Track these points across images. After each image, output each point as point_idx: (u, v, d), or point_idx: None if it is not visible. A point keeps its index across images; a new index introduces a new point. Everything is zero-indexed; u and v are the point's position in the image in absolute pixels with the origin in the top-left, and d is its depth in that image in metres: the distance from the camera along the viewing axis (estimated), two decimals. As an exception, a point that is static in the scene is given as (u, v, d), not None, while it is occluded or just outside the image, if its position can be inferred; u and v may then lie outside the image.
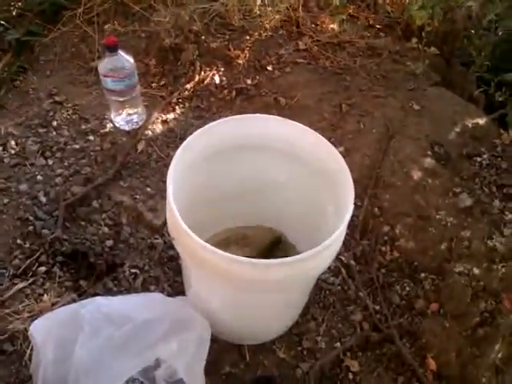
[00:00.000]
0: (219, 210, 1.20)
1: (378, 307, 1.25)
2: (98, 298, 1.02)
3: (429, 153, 1.46)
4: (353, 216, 1.33)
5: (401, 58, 1.81)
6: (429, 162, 1.44)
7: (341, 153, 0.98)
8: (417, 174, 1.40)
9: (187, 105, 1.62)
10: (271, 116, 1.06)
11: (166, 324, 1.00)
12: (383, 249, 1.34)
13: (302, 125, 1.02)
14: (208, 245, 0.84)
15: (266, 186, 1.17)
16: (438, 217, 1.34)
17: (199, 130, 0.98)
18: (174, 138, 1.51)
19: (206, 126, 0.99)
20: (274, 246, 1.29)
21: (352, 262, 1.31)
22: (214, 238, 1.26)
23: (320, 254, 0.86)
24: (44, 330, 0.99)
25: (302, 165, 1.09)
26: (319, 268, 0.93)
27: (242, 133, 1.05)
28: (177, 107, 1.61)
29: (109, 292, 1.18)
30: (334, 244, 0.88)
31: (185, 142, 0.96)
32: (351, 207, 0.92)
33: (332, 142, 1.01)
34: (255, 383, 1.09)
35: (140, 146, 1.47)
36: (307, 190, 1.12)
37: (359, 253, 1.33)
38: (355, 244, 1.33)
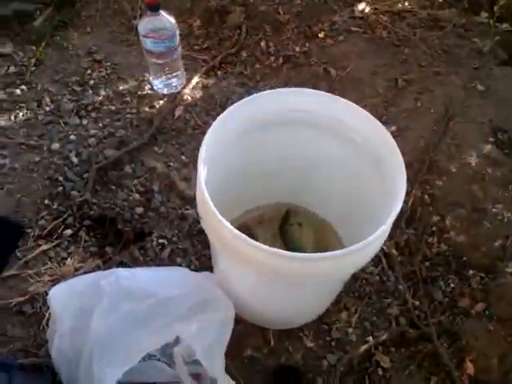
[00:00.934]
0: (256, 186, 1.12)
1: (417, 303, 1.15)
2: (120, 270, 0.97)
3: (491, 139, 1.32)
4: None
5: (466, 33, 1.65)
6: (490, 149, 1.30)
7: (393, 132, 0.89)
8: (475, 162, 1.27)
9: (230, 71, 1.53)
10: (318, 91, 0.96)
11: (188, 302, 0.94)
12: (430, 240, 1.23)
13: (350, 102, 0.92)
14: (242, 235, 0.76)
15: (307, 163, 1.08)
16: (494, 210, 1.22)
17: (240, 102, 0.89)
18: (213, 105, 1.43)
19: (248, 98, 0.90)
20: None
21: (394, 252, 1.20)
22: (247, 215, 1.18)
23: (363, 250, 0.77)
24: (62, 298, 0.95)
25: (348, 144, 0.98)
26: (360, 263, 0.84)
27: (286, 107, 0.95)
28: (219, 72, 1.52)
29: (134, 261, 1.13)
30: (378, 239, 0.79)
31: (224, 113, 0.88)
32: (401, 198, 0.82)
33: (384, 120, 0.91)
34: (278, 372, 1.02)
35: (178, 112, 1.40)
36: (353, 171, 1.02)
37: (403, 242, 1.22)
38: (400, 232, 1.23)
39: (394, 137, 0.88)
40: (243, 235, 0.76)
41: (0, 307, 1.04)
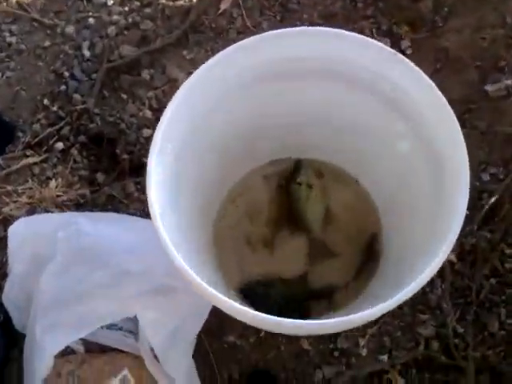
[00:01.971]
0: (272, 140, 0.85)
1: (461, 329, 0.88)
2: (82, 221, 0.79)
3: None
4: (479, 191, 0.91)
5: None
6: None
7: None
8: None
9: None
10: (343, 32, 0.62)
11: (149, 283, 0.76)
12: (508, 251, 0.91)
13: (408, 61, 0.58)
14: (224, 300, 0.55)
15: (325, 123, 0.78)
16: None
17: (235, 46, 0.60)
18: (273, 1, 1.08)
19: (247, 41, 0.61)
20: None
21: (452, 257, 0.90)
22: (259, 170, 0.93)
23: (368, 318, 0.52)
24: (18, 239, 0.82)
25: (383, 104, 0.67)
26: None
27: (298, 52, 0.65)
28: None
29: (127, 197, 0.95)
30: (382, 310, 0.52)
31: (212, 60, 0.60)
32: (463, 203, 0.54)
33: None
34: (251, 378, 0.85)
35: (224, 5, 1.08)
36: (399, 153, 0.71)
37: (469, 246, 0.91)
38: (468, 231, 0.91)
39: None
40: (224, 300, 0.53)
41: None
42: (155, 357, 0.80)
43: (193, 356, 0.83)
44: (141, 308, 0.75)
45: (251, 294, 0.82)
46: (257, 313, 0.52)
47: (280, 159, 0.92)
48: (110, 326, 0.83)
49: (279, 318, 0.52)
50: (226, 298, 0.53)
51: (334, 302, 0.81)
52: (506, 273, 0.90)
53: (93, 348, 0.86)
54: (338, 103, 0.74)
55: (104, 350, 0.85)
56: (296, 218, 0.86)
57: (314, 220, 0.86)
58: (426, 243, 0.61)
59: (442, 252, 0.54)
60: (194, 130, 0.68)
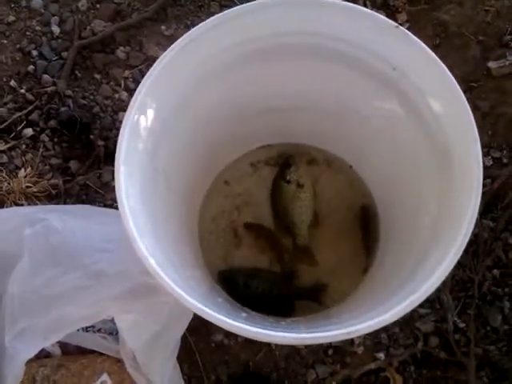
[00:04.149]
0: (265, 124, 0.77)
1: (462, 324, 0.83)
2: (51, 218, 0.72)
3: None
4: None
5: None
6: None
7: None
8: None
9: None
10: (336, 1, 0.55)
11: (130, 281, 0.69)
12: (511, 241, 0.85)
13: (421, 43, 0.51)
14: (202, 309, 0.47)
15: (335, 109, 0.71)
16: None
17: (213, 19, 0.53)
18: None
19: (228, 13, 0.53)
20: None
21: (451, 247, 0.85)
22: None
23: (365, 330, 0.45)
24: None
25: (381, 84, 0.60)
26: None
27: (285, 26, 0.57)
28: None
29: (103, 187, 0.88)
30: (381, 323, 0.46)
31: (187, 36, 0.53)
32: (474, 203, 0.48)
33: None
34: (240, 380, 0.80)
35: (205, -27, 0.99)
36: (392, 133, 0.64)
37: (470, 236, 0.85)
38: (469, 219, 0.85)
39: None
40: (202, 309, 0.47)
41: None
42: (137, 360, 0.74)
43: (177, 357, 0.77)
44: (118, 311, 0.69)
45: (230, 280, 0.76)
46: (235, 323, 0.46)
47: (268, 145, 0.85)
48: (87, 328, 0.77)
49: (267, 332, 0.46)
50: (199, 305, 0.47)
51: (321, 302, 0.74)
52: (509, 263, 0.85)
53: (70, 350, 0.80)
54: (330, 84, 0.66)
55: (82, 352, 0.79)
56: (282, 218, 0.80)
57: (298, 223, 0.78)
58: (428, 244, 0.54)
59: (448, 258, 0.48)
60: (174, 113, 0.61)
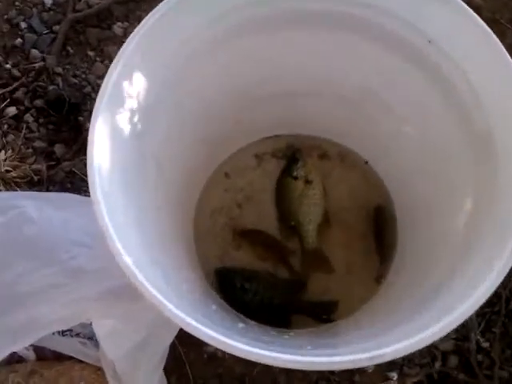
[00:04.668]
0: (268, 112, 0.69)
1: (486, 344, 0.74)
2: (29, 204, 0.63)
3: None
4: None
5: None
6: None
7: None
8: None
9: None
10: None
11: (111, 281, 0.60)
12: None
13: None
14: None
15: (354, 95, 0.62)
16: None
17: None
18: None
19: None
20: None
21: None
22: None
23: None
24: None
25: (410, 62, 0.51)
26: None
27: None
28: None
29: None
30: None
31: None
32: None
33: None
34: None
35: None
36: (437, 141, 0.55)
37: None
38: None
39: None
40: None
41: None
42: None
43: (164, 368, 0.68)
44: (97, 315, 0.60)
45: (226, 281, 0.68)
46: (224, 339, 0.37)
47: (276, 136, 0.77)
48: (64, 332, 0.69)
49: (268, 354, 0.37)
50: (182, 314, 0.38)
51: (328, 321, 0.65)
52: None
53: (46, 355, 0.72)
54: (349, 62, 0.57)
55: (59, 358, 0.71)
56: (287, 218, 0.71)
57: (305, 223, 0.69)
58: (462, 252, 0.46)
59: (496, 269, 0.39)
60: (165, 91, 0.52)
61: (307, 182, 0.71)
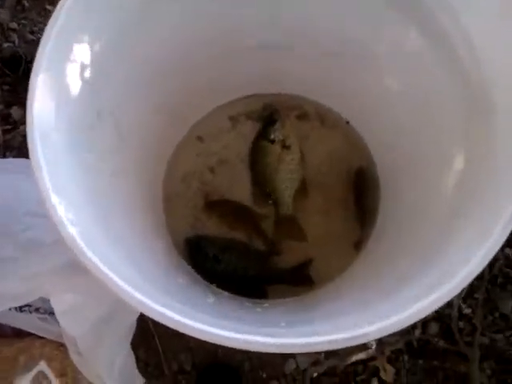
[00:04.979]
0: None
1: (468, 310, 0.72)
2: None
3: None
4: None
5: None
6: None
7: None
8: None
9: None
10: None
11: (69, 254, 0.56)
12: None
13: None
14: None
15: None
16: None
17: None
18: None
19: None
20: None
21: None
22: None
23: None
24: None
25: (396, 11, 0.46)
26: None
27: None
28: None
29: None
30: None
31: None
32: None
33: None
34: (207, 371, 0.68)
35: None
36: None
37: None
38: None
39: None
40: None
41: None
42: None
43: (132, 342, 0.65)
44: (55, 290, 0.56)
45: (197, 250, 0.64)
46: (184, 321, 0.33)
47: (252, 95, 0.71)
48: (22, 308, 0.64)
49: (238, 336, 0.33)
50: (136, 294, 0.34)
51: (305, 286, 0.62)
52: (525, 242, 0.74)
53: (5, 332, 0.68)
54: (328, 11, 0.52)
55: (19, 334, 0.67)
56: (262, 183, 0.66)
57: (282, 189, 0.64)
58: (453, 214, 0.42)
59: (496, 231, 0.35)
60: (122, 37, 0.46)
61: (285, 146, 0.67)
